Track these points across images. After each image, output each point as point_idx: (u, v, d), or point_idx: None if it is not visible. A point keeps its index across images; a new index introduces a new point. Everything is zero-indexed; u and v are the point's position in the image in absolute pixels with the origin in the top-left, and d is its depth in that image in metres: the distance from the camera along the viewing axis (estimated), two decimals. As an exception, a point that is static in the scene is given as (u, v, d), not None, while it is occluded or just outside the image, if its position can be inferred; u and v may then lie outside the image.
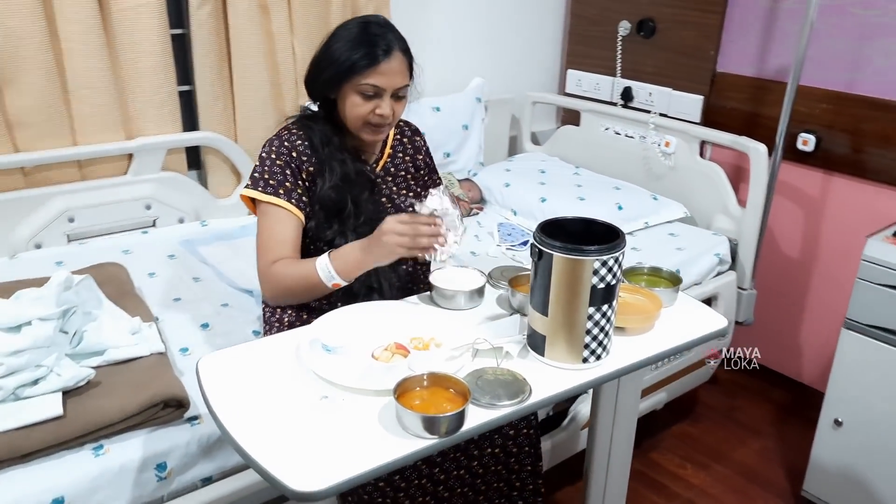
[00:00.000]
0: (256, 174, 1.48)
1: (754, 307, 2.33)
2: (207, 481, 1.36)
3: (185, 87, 2.15)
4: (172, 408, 1.34)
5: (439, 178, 1.74)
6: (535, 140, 2.90)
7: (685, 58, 2.53)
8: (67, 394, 1.31)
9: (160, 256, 1.97)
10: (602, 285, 1.17)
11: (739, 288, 2.26)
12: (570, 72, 2.89)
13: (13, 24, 1.78)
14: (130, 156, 2.06)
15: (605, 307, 1.19)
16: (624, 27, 2.64)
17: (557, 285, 1.18)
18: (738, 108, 2.45)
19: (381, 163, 1.61)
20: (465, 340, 1.23)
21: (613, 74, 2.70)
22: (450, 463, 1.45)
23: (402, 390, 1.09)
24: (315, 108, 1.57)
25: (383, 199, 1.60)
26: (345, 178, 1.49)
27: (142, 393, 1.32)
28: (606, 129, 2.63)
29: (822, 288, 2.38)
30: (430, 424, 1.04)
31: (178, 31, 2.09)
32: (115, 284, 1.68)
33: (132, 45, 1.97)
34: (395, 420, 1.07)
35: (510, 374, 1.18)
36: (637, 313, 1.35)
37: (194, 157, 2.23)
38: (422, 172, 1.68)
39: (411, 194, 1.65)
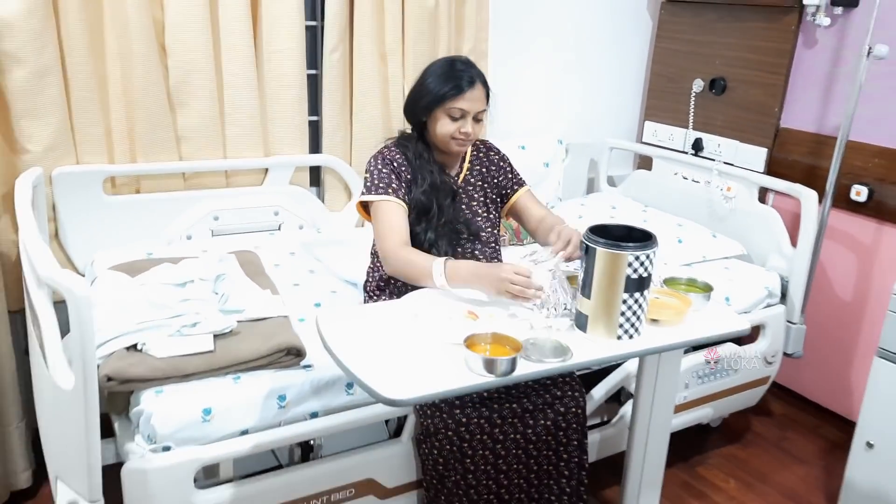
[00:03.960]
0: (368, 184, 1.84)
1: (804, 342, 2.52)
2: (314, 415, 1.71)
3: (314, 118, 2.59)
4: (293, 356, 1.71)
5: (521, 178, 2.05)
6: (612, 182, 3.20)
7: (752, 113, 2.80)
8: (217, 336, 1.70)
9: (283, 252, 2.38)
10: (635, 276, 1.47)
11: (789, 321, 2.47)
12: (648, 123, 3.20)
13: (189, 58, 2.25)
14: (266, 170, 2.50)
15: (637, 295, 1.49)
16: (698, 85, 2.94)
17: (599, 274, 1.49)
18: (799, 160, 2.68)
19: (462, 175, 1.97)
20: (526, 316, 1.56)
21: (686, 127, 2.98)
22: (508, 426, 1.75)
23: (469, 342, 1.42)
24: (408, 131, 1.94)
25: (462, 206, 1.95)
26: (433, 185, 1.86)
27: (270, 341, 1.70)
28: (675, 174, 2.91)
29: (873, 328, 2.55)
30: (489, 365, 1.36)
31: (312, 72, 2.54)
32: (251, 266, 2.09)
33: (276, 81, 2.43)
34: (463, 362, 1.39)
35: (557, 342, 1.49)
36: (670, 309, 1.64)
37: (316, 176, 2.66)
38: (498, 178, 2.00)
39: (488, 199, 1.98)
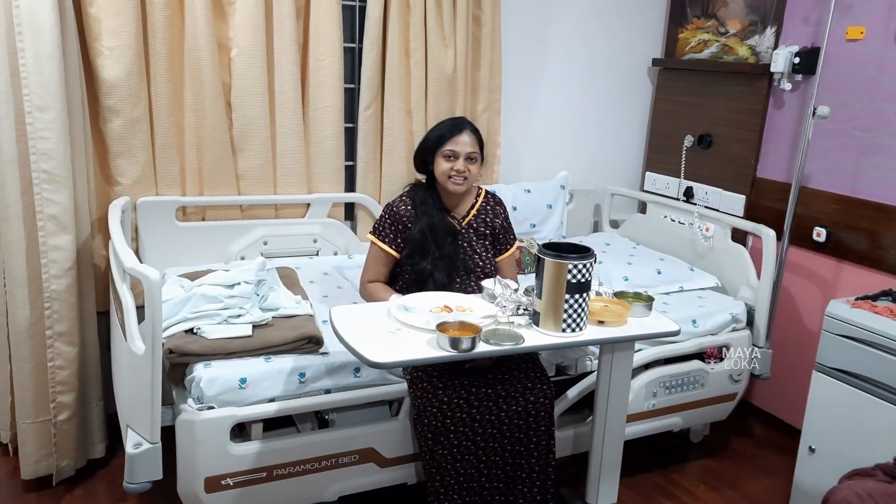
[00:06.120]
0: (377, 224, 2.35)
1: (771, 365, 2.82)
2: (328, 392, 2.14)
3: (350, 163, 3.09)
4: (313, 343, 2.15)
5: (514, 237, 2.50)
6: (615, 224, 3.59)
7: (733, 165, 3.17)
8: (255, 326, 2.16)
9: (318, 273, 2.84)
10: (575, 281, 1.87)
11: (755, 345, 2.78)
12: (648, 173, 3.60)
13: (249, 113, 2.78)
14: (308, 205, 2.99)
15: (577, 296, 1.88)
16: (688, 140, 3.33)
17: (548, 279, 1.89)
18: (772, 206, 3.03)
19: (468, 219, 2.41)
20: (491, 312, 1.97)
21: (679, 177, 3.37)
22: (484, 408, 2.13)
23: (441, 327, 1.84)
24: (423, 181, 2.41)
25: (464, 245, 2.38)
26: (430, 227, 2.30)
27: (296, 331, 2.15)
28: (665, 216, 3.28)
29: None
30: (453, 343, 1.78)
31: (350, 125, 3.05)
32: (289, 279, 2.56)
33: (319, 132, 2.93)
34: (436, 342, 1.81)
35: (514, 332, 1.89)
36: (613, 313, 2.02)
37: (350, 211, 3.15)
38: (497, 231, 2.46)
39: (487, 244, 2.42)
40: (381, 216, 2.37)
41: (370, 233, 2.38)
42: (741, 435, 3.10)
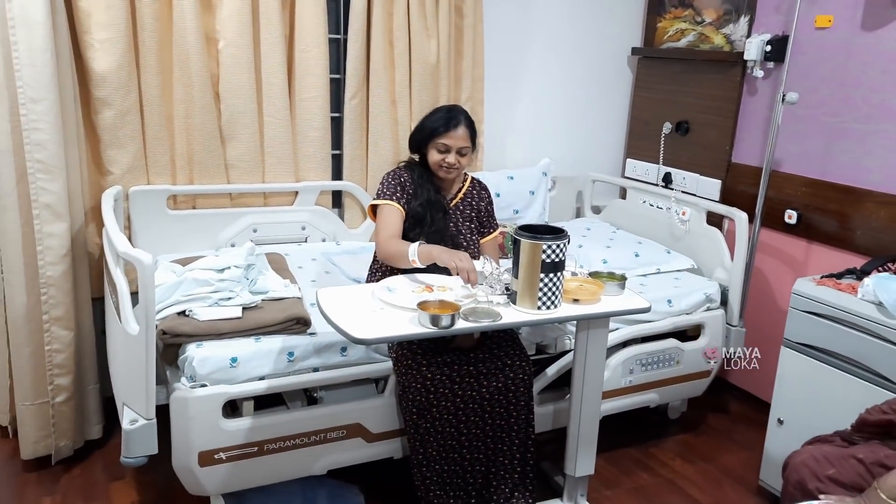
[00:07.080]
0: (379, 193, 2.39)
1: (744, 343, 2.92)
2: (315, 370, 2.23)
3: (336, 151, 3.17)
4: (301, 324, 2.24)
5: (496, 223, 2.59)
6: (597, 210, 3.67)
7: (709, 151, 3.27)
8: (245, 308, 2.25)
9: (307, 259, 2.93)
10: (549, 260, 1.96)
11: (728, 324, 2.88)
12: (629, 160, 3.69)
13: (237, 103, 2.86)
14: (296, 193, 3.08)
15: (552, 275, 1.98)
16: (667, 127, 3.42)
17: (524, 259, 1.98)
18: (746, 190, 3.13)
19: (455, 201, 2.50)
20: (473, 292, 2.06)
21: (658, 163, 3.46)
22: (466, 385, 2.23)
23: (422, 305, 1.92)
24: (416, 159, 2.49)
25: (451, 224, 2.47)
26: (428, 200, 2.39)
27: (284, 313, 2.23)
28: (644, 201, 3.38)
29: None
30: (433, 320, 1.87)
31: (336, 115, 3.13)
32: (278, 264, 2.65)
33: (306, 122, 3.01)
34: (417, 320, 1.90)
35: (492, 310, 1.99)
36: (587, 291, 2.12)
37: (337, 198, 3.23)
38: (482, 215, 2.55)
39: (472, 226, 2.51)
40: (386, 182, 2.39)
41: (377, 199, 2.37)
42: (717, 411, 3.21)
